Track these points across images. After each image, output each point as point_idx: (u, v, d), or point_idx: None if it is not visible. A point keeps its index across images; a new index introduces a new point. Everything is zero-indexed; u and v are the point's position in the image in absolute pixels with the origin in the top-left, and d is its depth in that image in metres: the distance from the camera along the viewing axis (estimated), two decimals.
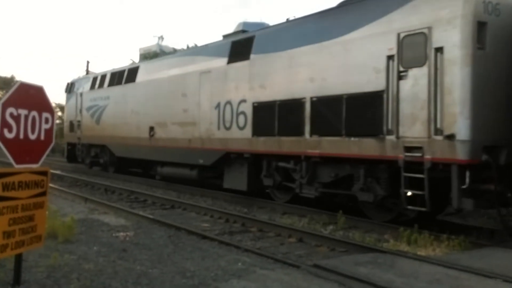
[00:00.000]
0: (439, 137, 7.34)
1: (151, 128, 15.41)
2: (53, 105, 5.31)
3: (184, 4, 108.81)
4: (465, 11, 7.16)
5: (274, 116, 10.55)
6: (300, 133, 9.83)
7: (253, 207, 11.28)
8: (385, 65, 8.15)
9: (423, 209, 7.62)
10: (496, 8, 7.36)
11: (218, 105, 12.40)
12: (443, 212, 9.28)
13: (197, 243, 6.91)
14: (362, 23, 8.68)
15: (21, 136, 4.11)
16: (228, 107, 12.05)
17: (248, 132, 11.34)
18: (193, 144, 13.36)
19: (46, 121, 4.41)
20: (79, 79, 22.17)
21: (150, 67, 16.24)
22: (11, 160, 4.07)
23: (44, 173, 4.33)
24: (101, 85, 19.28)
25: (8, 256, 4.22)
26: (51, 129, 4.46)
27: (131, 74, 17.06)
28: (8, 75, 49.97)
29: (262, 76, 10.99)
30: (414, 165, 7.68)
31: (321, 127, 9.42)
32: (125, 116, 17.08)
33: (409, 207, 7.88)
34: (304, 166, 9.91)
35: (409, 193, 7.84)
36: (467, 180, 7.01)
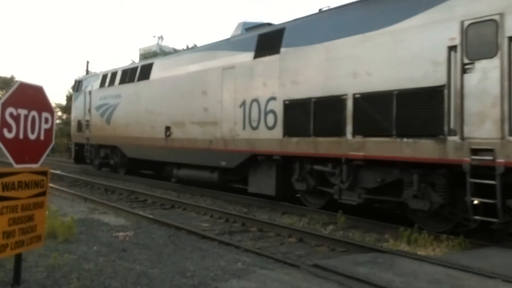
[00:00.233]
0: None
1: (167, 128, 14.50)
2: (53, 105, 4.88)
3: (184, 4, 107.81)
4: None
5: (309, 114, 9.63)
6: (341, 133, 8.92)
7: (253, 207, 11.19)
8: (446, 57, 7.23)
9: (494, 219, 6.71)
10: None
11: (243, 103, 11.49)
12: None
13: (197, 243, 6.85)
14: (416, 11, 7.75)
15: (21, 136, 4.12)
16: (254, 106, 11.14)
17: (278, 132, 10.43)
18: (215, 145, 12.45)
19: (46, 121, 4.42)
20: (88, 77, 21.25)
21: (165, 64, 15.31)
22: (11, 160, 4.07)
23: (44, 173, 4.34)
24: (111, 83, 18.36)
25: (7, 256, 4.23)
26: (51, 129, 4.47)
27: (144, 71, 16.15)
28: (8, 75, 49.21)
29: (295, 71, 10.07)
30: (482, 170, 6.77)
31: (366, 127, 8.50)
32: (138, 116, 16.17)
33: (476, 217, 6.96)
34: (344, 170, 9.00)
35: (476, 202, 6.94)
36: None
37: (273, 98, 10.58)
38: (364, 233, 8.21)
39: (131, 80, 16.84)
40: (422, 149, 7.55)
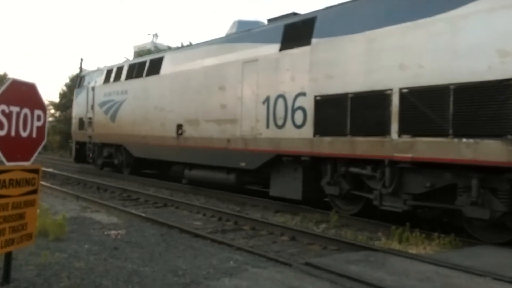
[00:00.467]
0: None
1: (179, 126, 13.55)
2: (46, 102, 5.11)
3: (179, 2, 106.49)
4: None
5: (345, 111, 8.73)
6: (384, 132, 8.03)
7: (246, 205, 11.19)
8: None
9: None
10: None
11: (266, 100, 10.57)
12: None
13: (189, 241, 6.81)
14: None
15: (13, 133, 4.10)
16: (280, 102, 10.22)
17: (307, 131, 9.52)
18: (233, 144, 11.53)
19: (38, 118, 4.38)
20: (91, 72, 20.23)
21: (177, 57, 14.35)
22: (2, 158, 4.04)
23: (35, 171, 4.32)
24: (117, 78, 17.38)
25: None
26: (43, 126, 4.44)
27: (153, 65, 15.19)
28: (1, 73, 47.99)
29: (328, 64, 9.16)
30: None
31: (415, 125, 7.60)
32: (146, 113, 15.20)
33: None
34: (388, 173, 8.09)
35: None
36: None
37: (302, 94, 9.68)
38: (356, 231, 8.28)
39: (139, 75, 15.87)
40: (486, 150, 6.66)
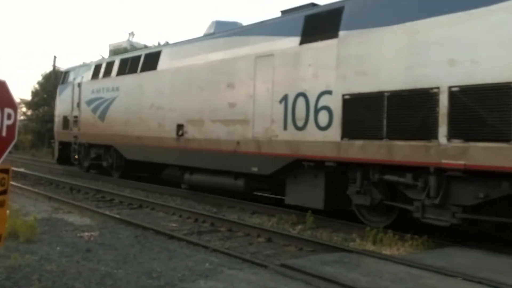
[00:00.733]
0: None
1: (180, 126, 12.43)
2: (18, 100, 3.99)
3: (156, 0, 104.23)
4: None
5: (380, 112, 7.82)
6: (429, 136, 7.14)
7: (223, 206, 11.13)
8: None
9: None
10: None
11: (284, 98, 9.58)
12: None
13: (164, 243, 6.78)
14: None
15: None
16: (301, 101, 9.25)
17: (334, 133, 8.57)
18: (244, 147, 10.50)
19: (9, 117, 4.12)
20: (76, 68, 18.81)
21: (178, 52, 13.19)
22: None
23: (5, 171, 4.06)
24: (107, 74, 16.10)
25: None
26: (13, 125, 4.18)
27: (150, 60, 14.00)
28: None
29: (360, 59, 8.24)
30: None
31: (468, 129, 6.73)
32: (141, 112, 14.01)
33: None
34: (433, 182, 7.20)
35: None
36: None
37: (328, 92, 8.72)
38: (331, 233, 8.37)
39: (133, 70, 14.66)
40: None
